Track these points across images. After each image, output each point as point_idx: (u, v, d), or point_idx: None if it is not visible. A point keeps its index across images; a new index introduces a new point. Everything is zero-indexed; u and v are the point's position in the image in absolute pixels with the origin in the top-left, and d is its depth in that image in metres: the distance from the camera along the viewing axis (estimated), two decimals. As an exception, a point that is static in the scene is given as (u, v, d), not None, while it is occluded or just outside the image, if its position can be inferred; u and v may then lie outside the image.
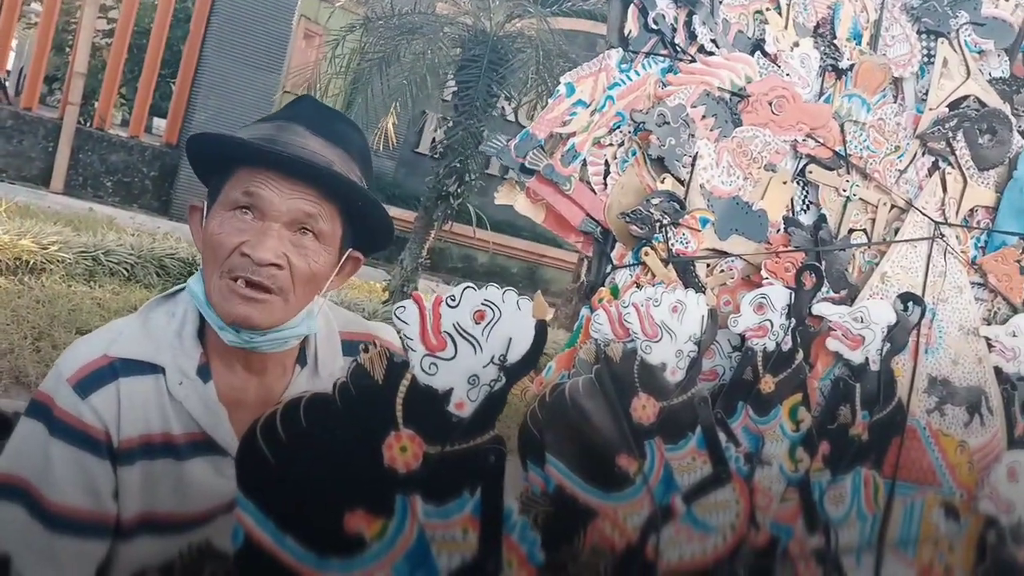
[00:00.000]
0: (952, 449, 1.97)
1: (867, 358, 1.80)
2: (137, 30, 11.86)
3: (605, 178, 1.67)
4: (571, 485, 1.41)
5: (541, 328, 1.20)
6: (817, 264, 1.79)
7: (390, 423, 1.13)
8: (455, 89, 8.21)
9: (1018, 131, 2.10)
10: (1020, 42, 2.12)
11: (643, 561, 1.48)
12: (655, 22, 1.67)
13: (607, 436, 1.45)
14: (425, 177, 9.09)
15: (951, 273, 2.01)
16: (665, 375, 1.52)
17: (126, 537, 1.26)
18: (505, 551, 1.21)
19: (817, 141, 1.85)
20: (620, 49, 1.67)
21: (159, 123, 13.99)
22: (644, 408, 1.49)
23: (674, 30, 1.70)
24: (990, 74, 2.10)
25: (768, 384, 1.67)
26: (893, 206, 1.97)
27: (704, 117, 1.71)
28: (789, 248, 1.79)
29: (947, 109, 2.02)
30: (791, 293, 1.72)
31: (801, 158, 1.87)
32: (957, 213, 2.05)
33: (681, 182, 1.69)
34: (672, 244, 1.66)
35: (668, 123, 1.66)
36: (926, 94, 2.01)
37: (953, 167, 2.04)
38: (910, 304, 1.87)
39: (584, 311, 1.63)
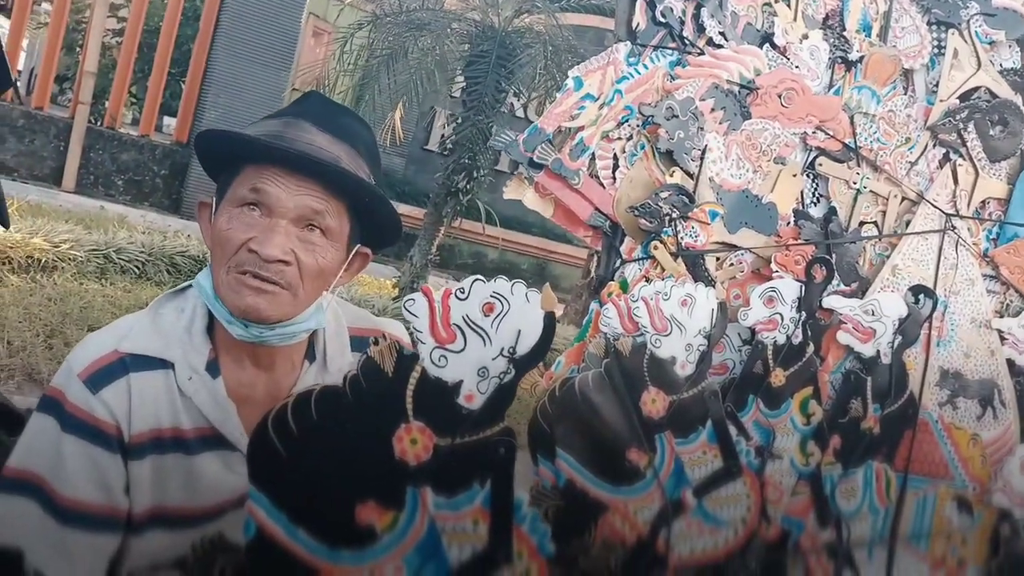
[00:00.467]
0: (965, 442, 1.96)
1: (878, 351, 1.79)
2: (147, 29, 11.92)
3: (614, 172, 1.66)
4: (581, 479, 1.41)
5: (550, 320, 1.20)
6: (828, 257, 1.78)
7: (400, 415, 1.13)
8: (463, 85, 8.21)
9: (1030, 122, 2.09)
10: (1032, 32, 2.10)
11: (654, 555, 1.48)
12: (663, 15, 1.66)
13: (617, 430, 1.44)
14: (434, 174, 9.09)
15: (963, 265, 1.99)
16: (675, 369, 1.51)
17: (137, 531, 1.27)
18: (515, 542, 1.21)
19: (827, 133, 1.84)
20: (628, 42, 1.66)
21: (169, 122, 14.04)
22: (654, 402, 1.48)
23: (682, 23, 1.70)
24: (1001, 65, 2.08)
25: (779, 378, 1.66)
26: (904, 198, 1.96)
27: (713, 110, 1.70)
28: (799, 241, 1.79)
29: (958, 100, 2.01)
30: (801, 286, 1.71)
31: (811, 151, 1.86)
32: (968, 205, 2.04)
33: (690, 175, 1.68)
34: (681, 238, 1.66)
35: (677, 116, 1.65)
36: (936, 85, 1.99)
37: (964, 159, 2.03)
38: (922, 297, 1.85)
39: (593, 305, 1.62)
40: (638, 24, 1.66)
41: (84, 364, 1.25)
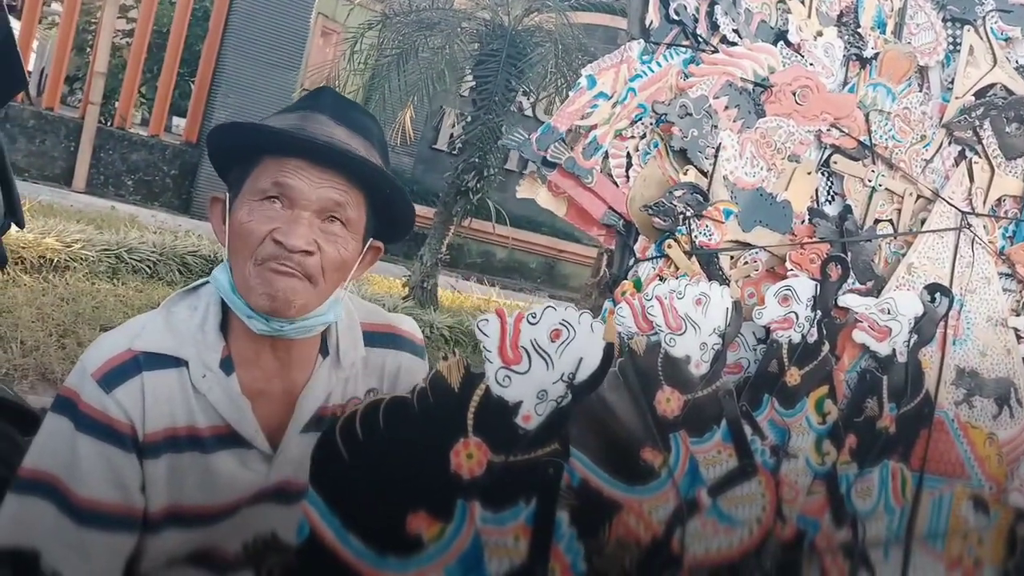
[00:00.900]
0: (981, 441, 1.94)
1: (894, 350, 1.78)
2: (156, 30, 11.95)
3: (627, 170, 1.65)
4: (596, 479, 1.40)
5: (609, 350, 1.27)
6: (843, 255, 1.77)
7: (460, 430, 1.17)
8: (473, 84, 8.22)
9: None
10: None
11: (668, 555, 1.47)
12: (677, 13, 1.66)
13: (631, 429, 1.44)
14: (443, 173, 9.10)
15: (979, 263, 1.98)
16: (689, 368, 1.51)
17: (153, 530, 1.27)
18: (551, 560, 1.25)
19: (841, 131, 1.83)
20: (641, 40, 1.65)
21: (179, 122, 14.06)
22: (668, 401, 1.48)
23: (696, 20, 1.69)
24: (1017, 61, 2.07)
25: (794, 377, 1.65)
26: (919, 196, 1.95)
27: (727, 108, 1.70)
28: (814, 239, 1.78)
29: (973, 98, 1.99)
30: (816, 285, 1.70)
31: (825, 148, 1.85)
32: (984, 203, 2.02)
33: (704, 174, 1.68)
34: (695, 236, 1.65)
35: (690, 114, 1.65)
36: (952, 83, 1.98)
37: (980, 156, 2.02)
38: (937, 295, 1.84)
39: (607, 304, 1.62)
40: (651, 22, 1.65)
41: (97, 364, 1.25)
